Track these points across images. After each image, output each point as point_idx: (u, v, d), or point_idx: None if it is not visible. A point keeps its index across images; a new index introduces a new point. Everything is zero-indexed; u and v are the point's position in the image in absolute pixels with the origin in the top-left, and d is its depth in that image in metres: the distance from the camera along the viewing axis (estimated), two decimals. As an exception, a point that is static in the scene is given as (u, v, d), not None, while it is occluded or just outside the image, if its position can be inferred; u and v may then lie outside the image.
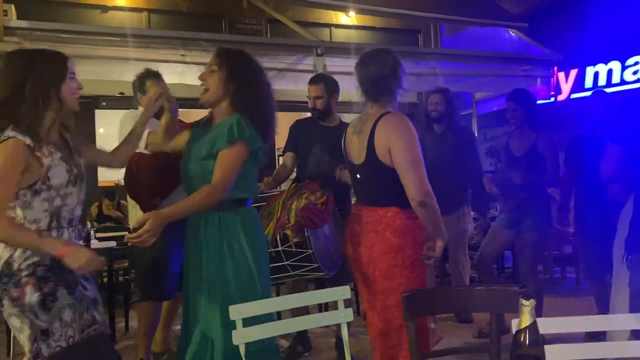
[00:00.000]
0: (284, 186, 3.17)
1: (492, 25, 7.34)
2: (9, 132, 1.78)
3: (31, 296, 1.80)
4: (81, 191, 1.96)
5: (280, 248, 2.20)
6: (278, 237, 2.23)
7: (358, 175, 2.30)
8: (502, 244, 3.95)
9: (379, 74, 2.20)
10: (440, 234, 2.13)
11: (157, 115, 3.26)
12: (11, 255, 1.81)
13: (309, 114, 3.72)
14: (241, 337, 1.65)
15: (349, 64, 5.41)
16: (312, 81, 3.56)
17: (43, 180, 1.83)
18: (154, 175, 3.07)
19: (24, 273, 1.81)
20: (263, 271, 2.17)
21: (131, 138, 2.30)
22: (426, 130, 4.15)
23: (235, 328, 1.66)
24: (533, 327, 1.14)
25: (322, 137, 3.45)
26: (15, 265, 1.81)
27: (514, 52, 7.10)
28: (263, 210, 2.33)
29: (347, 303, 1.85)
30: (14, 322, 1.86)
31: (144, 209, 3.05)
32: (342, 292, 1.83)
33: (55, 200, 1.86)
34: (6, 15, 4.51)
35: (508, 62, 6.51)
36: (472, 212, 6.37)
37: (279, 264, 2.26)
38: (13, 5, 4.70)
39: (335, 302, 1.83)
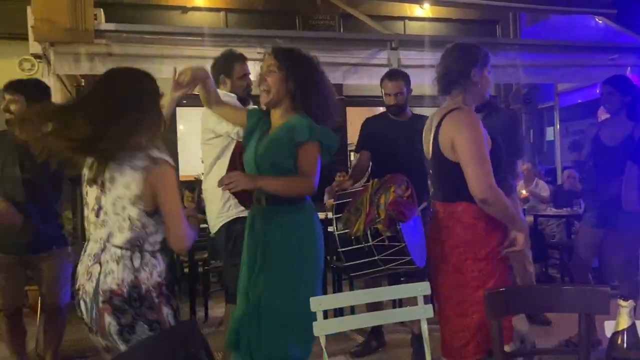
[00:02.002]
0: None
1: (577, 13, 6.96)
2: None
3: (167, 315, 1.76)
4: None
5: (371, 242, 2.21)
6: (369, 231, 2.24)
7: (430, 171, 2.30)
8: (594, 246, 3.61)
9: (448, 68, 2.20)
10: (516, 226, 2.11)
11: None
12: (136, 277, 1.73)
13: (382, 109, 3.70)
14: (322, 329, 1.68)
15: (424, 57, 5.34)
16: (392, 77, 3.51)
17: None
18: None
19: (154, 293, 1.75)
20: (318, 264, 2.23)
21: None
22: None
23: (315, 319, 1.69)
24: (632, 329, 1.08)
25: (396, 133, 3.43)
26: (144, 287, 1.73)
27: (600, 40, 6.71)
28: (350, 206, 2.35)
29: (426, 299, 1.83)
30: None
31: (246, 204, 2.88)
32: (423, 288, 1.83)
33: None
34: (96, 19, 4.78)
35: (594, 51, 6.17)
36: (554, 209, 6.15)
37: (371, 258, 2.27)
38: (102, 9, 4.99)
39: (408, 298, 1.83)
